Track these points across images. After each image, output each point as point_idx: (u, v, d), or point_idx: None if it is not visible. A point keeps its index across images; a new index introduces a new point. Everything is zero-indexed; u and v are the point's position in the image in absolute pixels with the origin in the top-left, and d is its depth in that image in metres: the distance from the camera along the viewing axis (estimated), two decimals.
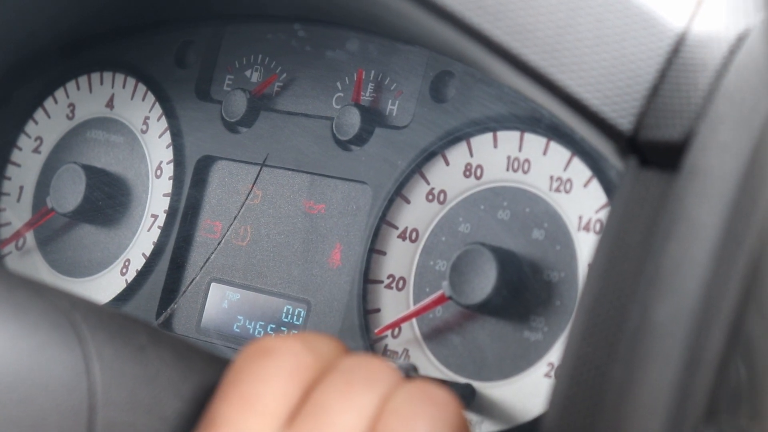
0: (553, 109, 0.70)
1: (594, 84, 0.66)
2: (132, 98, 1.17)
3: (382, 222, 1.00)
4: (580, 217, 0.91)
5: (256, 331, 1.05)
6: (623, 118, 0.66)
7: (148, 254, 1.11)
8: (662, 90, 0.66)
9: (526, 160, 0.95)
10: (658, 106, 0.66)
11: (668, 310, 0.60)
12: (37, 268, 1.18)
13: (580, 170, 0.92)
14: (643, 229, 0.64)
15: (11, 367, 0.59)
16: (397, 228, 1.00)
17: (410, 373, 0.92)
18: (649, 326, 0.61)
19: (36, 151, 1.21)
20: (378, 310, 0.99)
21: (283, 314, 1.04)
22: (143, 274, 1.11)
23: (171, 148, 1.13)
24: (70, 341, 0.62)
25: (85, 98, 1.20)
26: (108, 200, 1.14)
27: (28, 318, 0.62)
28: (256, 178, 1.08)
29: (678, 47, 0.67)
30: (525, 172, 0.95)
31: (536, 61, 0.66)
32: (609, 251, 0.66)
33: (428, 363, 0.95)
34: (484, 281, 0.91)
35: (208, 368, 0.73)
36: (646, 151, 0.66)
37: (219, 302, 1.07)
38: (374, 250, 1.00)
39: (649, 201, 0.65)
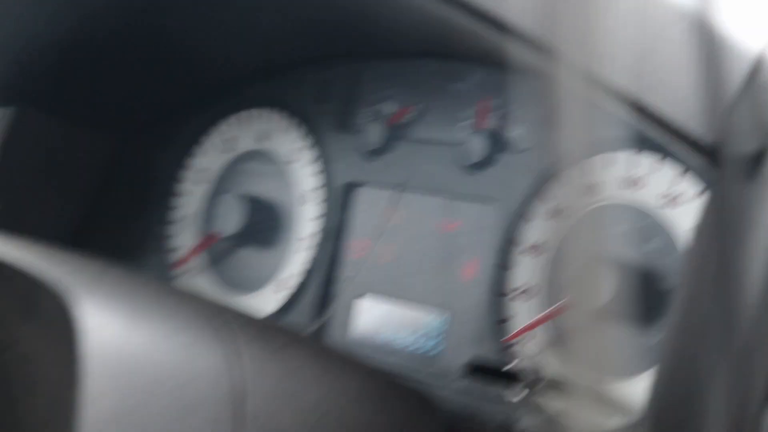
0: (645, 128, 0.75)
1: (677, 103, 0.71)
2: (281, 132, 1.24)
3: (510, 239, 1.05)
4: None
5: (401, 341, 1.10)
6: (706, 134, 0.71)
7: (301, 272, 1.18)
8: (740, 109, 0.70)
9: (639, 178, 0.98)
10: (737, 122, 0.70)
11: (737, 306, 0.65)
12: (204, 286, 1.26)
13: (690, 185, 0.95)
14: (724, 234, 0.69)
15: (170, 361, 0.66)
16: (523, 244, 1.04)
17: (536, 375, 0.97)
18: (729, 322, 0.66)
19: (199, 182, 1.30)
20: (509, 319, 1.04)
21: (425, 325, 1.09)
22: (297, 291, 1.18)
23: (317, 176, 1.20)
24: (223, 336, 0.68)
25: (241, 133, 1.27)
26: (263, 225, 1.22)
27: (189, 324, 0.69)
28: (395, 202, 1.13)
29: (756, 68, 0.71)
30: (638, 189, 0.98)
31: (623, 86, 0.72)
32: (695, 258, 0.71)
33: (555, 366, 0.99)
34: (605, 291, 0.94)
35: (347, 368, 0.80)
36: (728, 163, 0.71)
37: (366, 314, 1.13)
38: (503, 264, 1.05)
39: (728, 208, 0.69)
